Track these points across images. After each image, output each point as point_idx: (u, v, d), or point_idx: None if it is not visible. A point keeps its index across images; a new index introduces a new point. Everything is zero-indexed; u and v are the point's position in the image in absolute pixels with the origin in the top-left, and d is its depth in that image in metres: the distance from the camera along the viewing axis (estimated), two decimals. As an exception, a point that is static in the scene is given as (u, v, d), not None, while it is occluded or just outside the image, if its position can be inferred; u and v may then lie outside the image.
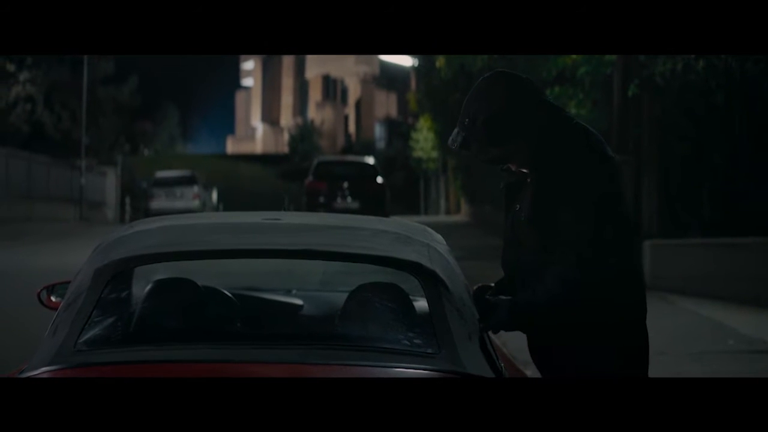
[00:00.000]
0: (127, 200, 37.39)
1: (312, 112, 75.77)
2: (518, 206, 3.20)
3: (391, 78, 72.35)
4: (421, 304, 3.48)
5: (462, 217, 36.29)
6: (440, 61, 22.16)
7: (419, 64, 34.41)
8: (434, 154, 41.75)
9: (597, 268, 3.01)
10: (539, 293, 3.06)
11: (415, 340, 3.24)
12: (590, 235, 3.00)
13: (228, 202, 39.76)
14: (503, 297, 3.22)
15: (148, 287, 3.74)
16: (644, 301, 3.18)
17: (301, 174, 38.99)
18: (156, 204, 32.89)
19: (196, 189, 33.87)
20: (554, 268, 3.04)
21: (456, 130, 3.22)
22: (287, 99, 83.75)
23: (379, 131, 67.44)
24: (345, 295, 3.71)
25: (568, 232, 3.02)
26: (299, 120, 70.97)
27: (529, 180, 3.18)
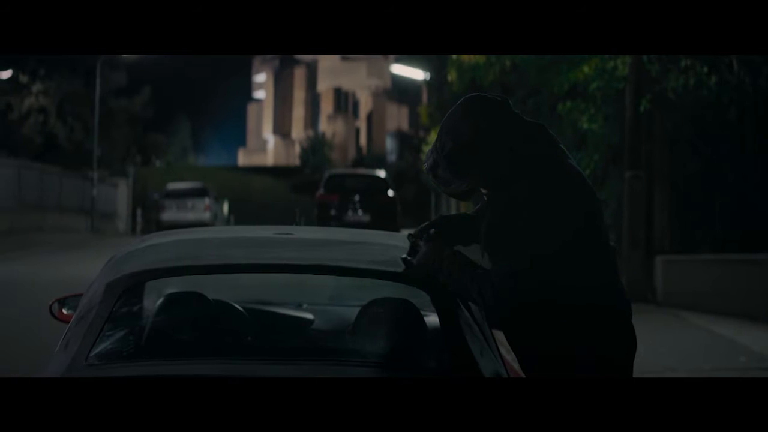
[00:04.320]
0: (139, 211, 37.46)
1: (323, 125, 75.90)
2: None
3: (402, 91, 72.36)
4: (432, 319, 3.48)
5: (473, 230, 36.18)
6: (452, 74, 22.16)
7: (431, 78, 34.43)
8: (445, 167, 41.68)
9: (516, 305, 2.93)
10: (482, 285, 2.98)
11: (426, 356, 3.24)
12: (513, 286, 2.90)
13: (239, 214, 39.78)
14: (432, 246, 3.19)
15: (160, 301, 3.74)
16: (618, 327, 3.02)
17: (312, 186, 38.99)
18: (167, 216, 32.91)
19: (207, 201, 33.88)
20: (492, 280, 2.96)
21: (431, 149, 3.14)
22: (299, 111, 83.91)
23: (390, 144, 67.51)
24: (356, 310, 3.70)
25: (499, 279, 2.93)
26: (310, 132, 71.08)
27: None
